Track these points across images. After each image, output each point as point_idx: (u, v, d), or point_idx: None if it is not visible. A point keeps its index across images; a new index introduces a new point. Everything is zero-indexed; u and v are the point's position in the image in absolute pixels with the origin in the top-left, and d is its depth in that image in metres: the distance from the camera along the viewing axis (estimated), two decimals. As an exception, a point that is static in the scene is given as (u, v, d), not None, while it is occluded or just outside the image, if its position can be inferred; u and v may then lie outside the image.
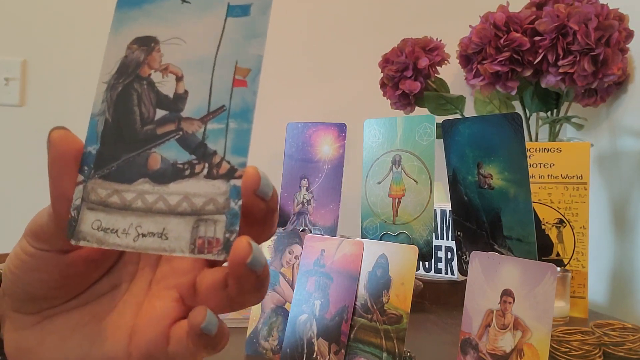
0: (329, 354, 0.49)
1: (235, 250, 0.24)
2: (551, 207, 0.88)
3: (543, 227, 0.87)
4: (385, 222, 0.51)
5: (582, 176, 0.87)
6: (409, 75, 1.07)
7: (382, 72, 1.13)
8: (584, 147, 0.88)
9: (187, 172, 0.25)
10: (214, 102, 0.25)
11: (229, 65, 0.25)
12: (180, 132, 0.25)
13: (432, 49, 1.08)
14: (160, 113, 0.26)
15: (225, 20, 0.26)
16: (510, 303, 0.40)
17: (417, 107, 1.13)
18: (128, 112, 0.26)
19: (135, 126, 0.26)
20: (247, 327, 0.65)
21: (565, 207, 0.87)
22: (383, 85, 1.14)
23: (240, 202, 0.24)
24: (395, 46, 1.11)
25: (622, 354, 0.62)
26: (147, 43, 0.26)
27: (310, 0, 1.32)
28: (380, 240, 0.51)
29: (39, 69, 1.24)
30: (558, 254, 0.87)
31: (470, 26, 1.00)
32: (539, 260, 0.40)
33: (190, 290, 0.28)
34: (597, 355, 0.61)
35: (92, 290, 0.30)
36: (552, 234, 0.87)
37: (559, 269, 0.48)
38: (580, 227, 0.87)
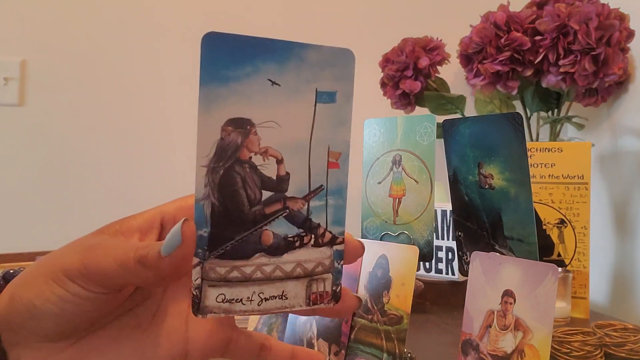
0: (329, 355, 0.49)
1: (347, 301, 0.32)
2: (552, 207, 0.88)
3: (544, 227, 0.87)
4: (386, 222, 0.50)
5: (583, 176, 0.87)
6: (409, 75, 1.07)
7: (382, 71, 1.13)
8: (584, 147, 0.88)
9: (298, 244, 0.30)
10: (313, 182, 0.29)
11: (323, 149, 0.29)
12: (287, 210, 0.29)
13: (432, 49, 1.08)
14: (265, 194, 0.29)
15: (315, 105, 0.29)
16: (511, 304, 0.40)
17: (417, 107, 1.13)
18: (234, 195, 0.28)
19: (243, 208, 0.29)
20: (246, 328, 0.65)
21: (566, 207, 0.87)
22: (383, 84, 1.14)
23: (342, 262, 0.31)
24: (395, 46, 1.11)
25: (623, 354, 0.62)
26: (242, 125, 0.27)
27: (310, 0, 1.32)
28: (381, 240, 0.51)
29: (38, 69, 1.23)
30: (559, 255, 0.87)
31: (470, 26, 0.99)
32: (540, 260, 0.39)
33: None
34: (599, 355, 0.61)
35: (125, 303, 0.31)
36: (553, 234, 0.87)
37: (560, 269, 0.48)
38: (582, 227, 0.86)
